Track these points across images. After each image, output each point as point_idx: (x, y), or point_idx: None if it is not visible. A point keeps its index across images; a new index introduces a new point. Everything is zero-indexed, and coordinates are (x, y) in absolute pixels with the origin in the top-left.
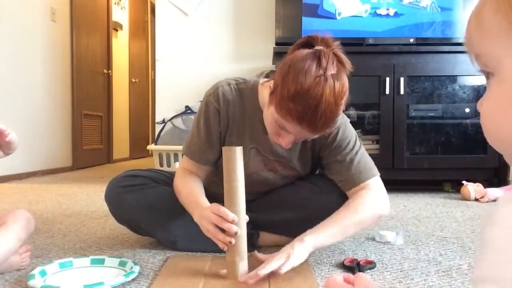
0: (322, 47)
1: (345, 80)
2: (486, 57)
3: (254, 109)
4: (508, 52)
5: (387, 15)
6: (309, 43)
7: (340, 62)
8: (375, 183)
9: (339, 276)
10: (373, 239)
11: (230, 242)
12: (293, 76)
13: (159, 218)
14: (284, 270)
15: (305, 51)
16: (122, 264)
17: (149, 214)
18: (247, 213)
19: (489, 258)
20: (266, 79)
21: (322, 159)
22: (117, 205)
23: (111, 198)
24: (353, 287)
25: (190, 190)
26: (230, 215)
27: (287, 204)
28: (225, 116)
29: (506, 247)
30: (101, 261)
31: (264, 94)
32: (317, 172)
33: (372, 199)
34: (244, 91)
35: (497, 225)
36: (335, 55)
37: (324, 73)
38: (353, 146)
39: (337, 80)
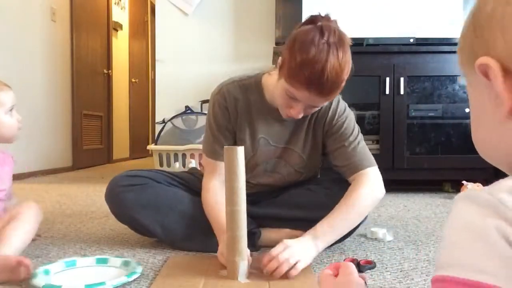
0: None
1: (348, 49)
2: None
3: (260, 101)
4: (467, 81)
5: (387, 15)
6: (312, 21)
7: (341, 34)
8: (374, 171)
9: (327, 269)
10: (365, 236)
11: None
12: (299, 46)
13: (160, 217)
14: (294, 274)
15: (309, 26)
16: (126, 264)
17: (149, 212)
18: (255, 209)
19: (445, 249)
20: (273, 68)
21: (327, 147)
22: (118, 204)
23: (111, 197)
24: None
25: (216, 213)
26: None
27: (299, 204)
28: (234, 111)
29: (455, 242)
30: (105, 261)
31: (270, 81)
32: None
33: (372, 186)
34: (249, 86)
35: (450, 222)
36: (336, 29)
37: (327, 40)
38: (357, 136)
39: (339, 46)
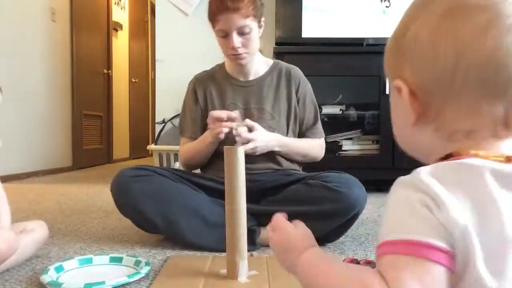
0: None
1: None
2: None
3: (224, 76)
4: (390, 89)
5: (387, 15)
6: None
7: None
8: (323, 140)
9: (280, 216)
10: (366, 235)
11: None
12: None
13: (163, 209)
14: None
15: None
16: (137, 264)
17: (153, 204)
18: (255, 206)
19: (384, 224)
20: None
21: (298, 113)
22: (123, 193)
23: (117, 186)
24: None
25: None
26: (223, 115)
27: (299, 200)
28: (202, 92)
29: (389, 215)
30: (119, 260)
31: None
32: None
33: (321, 145)
34: (214, 69)
35: (387, 203)
36: None
37: None
38: (317, 110)
39: None
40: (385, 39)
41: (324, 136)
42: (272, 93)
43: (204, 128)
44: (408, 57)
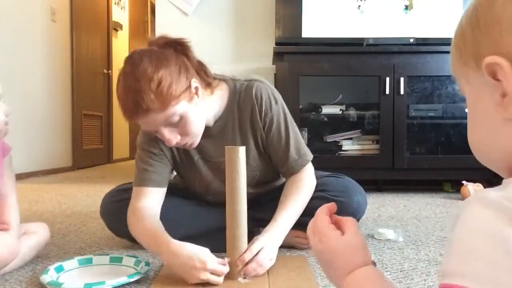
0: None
1: (144, 65)
2: (458, 83)
3: None
4: (464, 81)
5: (387, 15)
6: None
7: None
8: (309, 167)
9: (324, 217)
10: (372, 236)
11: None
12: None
13: None
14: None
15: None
16: (137, 263)
17: None
18: (255, 213)
19: (456, 256)
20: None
21: (266, 148)
22: (114, 221)
23: (107, 214)
24: (341, 231)
25: (150, 230)
26: (224, 270)
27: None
28: (166, 148)
29: (470, 249)
30: (119, 260)
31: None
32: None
33: (309, 179)
34: None
35: (461, 226)
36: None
37: (123, 71)
38: (288, 133)
39: (134, 69)
40: (385, 39)
41: (310, 156)
42: (238, 134)
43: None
44: (505, 26)
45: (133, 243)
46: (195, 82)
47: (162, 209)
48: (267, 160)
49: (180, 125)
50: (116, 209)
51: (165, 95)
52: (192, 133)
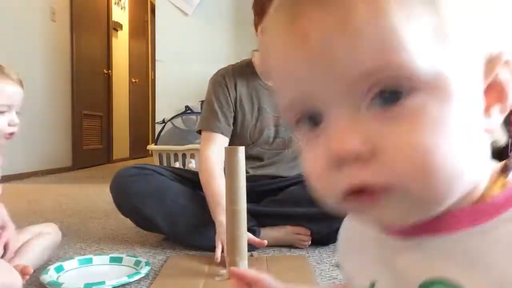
0: None
1: None
2: None
3: (254, 78)
4: None
5: None
6: None
7: None
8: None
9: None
10: None
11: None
12: None
13: (163, 208)
14: None
15: None
16: (137, 263)
17: (153, 203)
18: (256, 207)
19: (488, 277)
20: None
21: None
22: (122, 193)
23: (116, 186)
24: None
25: (213, 190)
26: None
27: (299, 201)
28: (233, 90)
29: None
30: (119, 260)
31: (257, 62)
32: None
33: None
34: (240, 67)
35: (497, 244)
36: None
37: None
38: None
39: None
40: None
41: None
42: None
43: (229, 125)
44: None
45: (135, 226)
46: None
47: (173, 196)
48: None
49: None
50: (125, 183)
51: None
52: None
